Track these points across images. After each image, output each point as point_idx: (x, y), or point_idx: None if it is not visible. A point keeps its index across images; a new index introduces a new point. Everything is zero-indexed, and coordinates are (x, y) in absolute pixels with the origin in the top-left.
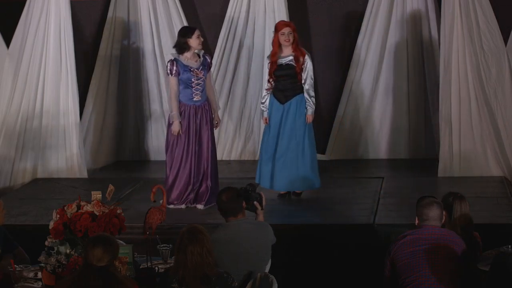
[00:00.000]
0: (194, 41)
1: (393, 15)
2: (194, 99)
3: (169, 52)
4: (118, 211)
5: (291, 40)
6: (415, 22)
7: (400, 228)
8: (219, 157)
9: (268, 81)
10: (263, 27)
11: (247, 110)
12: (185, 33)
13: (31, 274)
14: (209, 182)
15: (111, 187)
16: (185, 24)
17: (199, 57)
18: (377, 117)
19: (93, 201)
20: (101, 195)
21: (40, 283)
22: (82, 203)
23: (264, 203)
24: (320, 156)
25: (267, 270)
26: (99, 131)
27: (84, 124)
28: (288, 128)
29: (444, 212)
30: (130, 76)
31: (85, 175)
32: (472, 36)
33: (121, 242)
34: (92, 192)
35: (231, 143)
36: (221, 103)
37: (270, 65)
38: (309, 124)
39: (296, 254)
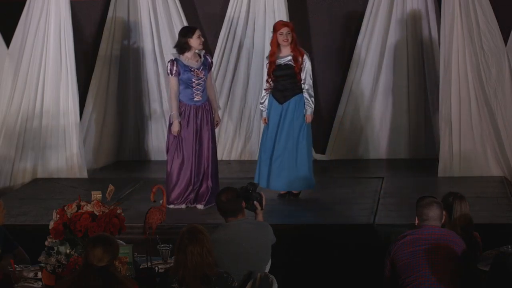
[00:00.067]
0: (195, 41)
1: (393, 15)
2: (195, 99)
3: (169, 52)
4: (118, 211)
5: (290, 40)
6: (415, 22)
7: (400, 228)
8: (219, 157)
9: (267, 81)
10: (263, 27)
11: (247, 110)
12: (185, 33)
13: (31, 274)
14: (209, 182)
15: (111, 187)
16: (185, 24)
17: (200, 57)
18: (377, 117)
19: (93, 201)
20: (101, 195)
21: (40, 283)
22: (82, 203)
23: (264, 203)
24: (320, 156)
25: (267, 270)
26: (99, 131)
27: (84, 124)
28: (286, 128)
29: (444, 212)
30: (130, 76)
31: (85, 175)
32: (472, 36)
33: (121, 242)
34: (92, 192)
35: (231, 143)
36: (221, 103)
37: (269, 65)
38: (308, 124)
39: (296, 254)
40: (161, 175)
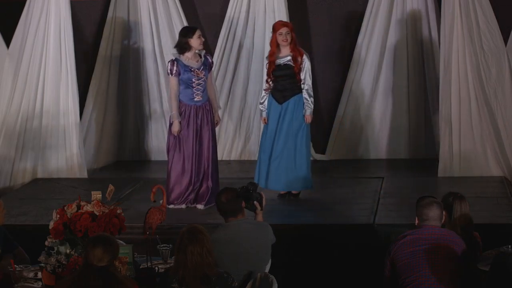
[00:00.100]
0: (195, 41)
1: (393, 15)
2: (195, 99)
3: (169, 52)
4: (118, 211)
5: (289, 40)
6: (415, 22)
7: (400, 228)
8: (219, 157)
9: (267, 81)
10: (263, 27)
11: (247, 110)
12: (186, 33)
13: (31, 274)
14: (209, 182)
15: (111, 187)
16: (185, 24)
17: (200, 57)
18: (377, 117)
19: (93, 201)
20: (101, 195)
21: (40, 283)
22: (82, 203)
23: (264, 203)
24: (320, 156)
25: (267, 270)
26: (99, 131)
27: (84, 124)
28: (285, 128)
29: (444, 212)
30: (130, 76)
31: (85, 175)
32: (472, 36)
33: (121, 242)
34: (92, 192)
35: (231, 143)
36: (221, 103)
37: (269, 65)
38: (307, 124)
39: (296, 254)
40: (161, 175)
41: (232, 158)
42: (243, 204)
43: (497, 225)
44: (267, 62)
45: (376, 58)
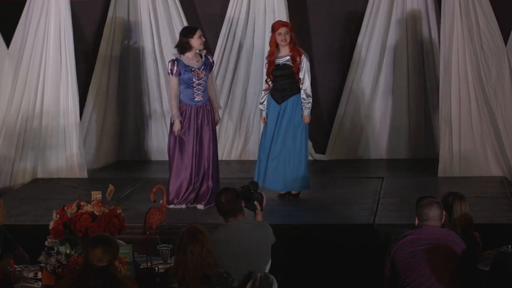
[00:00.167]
0: (196, 41)
1: (393, 15)
2: (196, 99)
3: (169, 52)
4: (118, 211)
5: (288, 40)
6: (415, 22)
7: (400, 228)
8: (219, 157)
9: (266, 81)
10: (263, 27)
11: (247, 110)
12: (186, 33)
13: (31, 274)
14: (210, 182)
15: (111, 187)
16: (185, 24)
17: (201, 57)
18: (377, 117)
19: (93, 201)
20: (101, 195)
21: (40, 283)
22: (82, 203)
23: (264, 203)
24: (320, 156)
25: (267, 270)
26: (99, 131)
27: (84, 124)
28: (284, 128)
29: (444, 212)
30: (130, 76)
31: (85, 175)
32: (472, 36)
33: (121, 242)
34: (92, 192)
35: (231, 143)
36: (221, 103)
37: (268, 65)
38: (305, 124)
39: (296, 254)
40: (161, 175)
41: (232, 158)
42: (243, 204)
43: (497, 225)
44: (266, 62)
45: (376, 58)
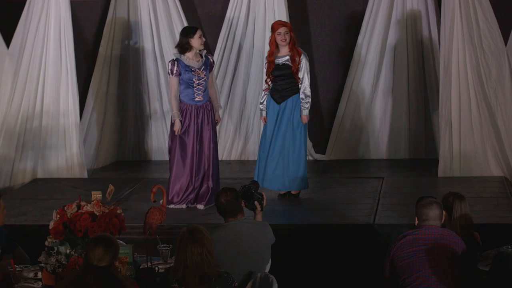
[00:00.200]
0: (196, 41)
1: (393, 15)
2: (196, 99)
3: (169, 52)
4: (118, 211)
5: (288, 39)
6: (415, 22)
7: (400, 228)
8: (219, 157)
9: (266, 81)
10: (263, 27)
11: (247, 110)
12: (187, 33)
13: (31, 274)
14: (210, 182)
15: (111, 187)
16: (185, 24)
17: (201, 57)
18: (377, 117)
19: (93, 201)
20: (101, 195)
21: (40, 283)
22: (82, 203)
23: (264, 203)
24: (320, 156)
25: (267, 270)
26: (99, 131)
27: (84, 124)
28: (283, 128)
29: (444, 212)
30: (130, 76)
31: (85, 175)
32: (472, 36)
33: (121, 242)
34: (92, 192)
35: (231, 143)
36: (221, 103)
37: (268, 65)
38: (304, 124)
39: (296, 254)
40: (161, 175)
41: (232, 158)
42: (243, 204)
43: (497, 225)
44: (266, 62)
45: (376, 58)
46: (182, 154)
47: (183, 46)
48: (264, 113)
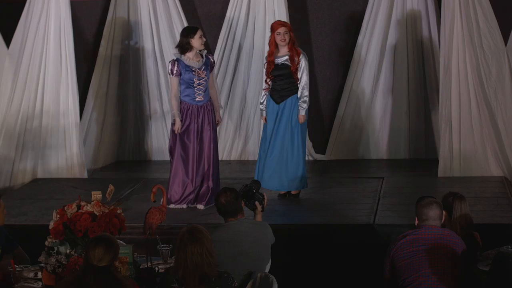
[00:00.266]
0: (196, 41)
1: (393, 15)
2: (197, 99)
3: (169, 52)
4: (118, 211)
5: (287, 39)
6: (415, 22)
7: (400, 228)
8: (219, 157)
9: (266, 81)
10: (263, 27)
11: (247, 110)
12: (187, 33)
13: (31, 274)
14: (210, 182)
15: (111, 187)
16: (185, 24)
17: (202, 57)
18: (377, 117)
19: (93, 201)
20: (101, 195)
21: (40, 283)
22: (82, 203)
23: (265, 204)
24: (320, 156)
25: (267, 270)
26: (99, 131)
27: (84, 124)
28: (282, 128)
29: (444, 212)
30: (130, 76)
31: (85, 175)
32: (472, 36)
33: (121, 242)
34: (92, 192)
35: (231, 143)
36: (221, 103)
37: (267, 65)
38: (304, 124)
39: (296, 254)
40: (161, 175)
41: (232, 158)
42: (243, 203)
43: (497, 225)
44: (265, 62)
45: (376, 58)
46: (183, 154)
47: (183, 46)
48: (264, 113)
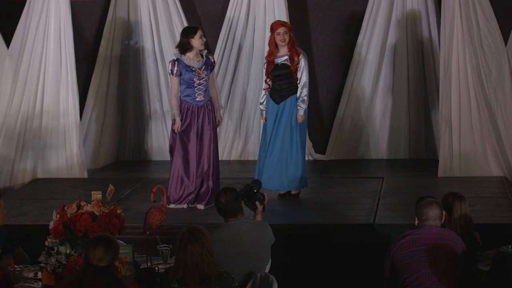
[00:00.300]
0: (197, 41)
1: (393, 15)
2: (197, 99)
3: (169, 52)
4: (118, 211)
5: (287, 40)
6: (415, 22)
7: (400, 228)
8: (219, 157)
9: (266, 81)
10: (263, 27)
11: (247, 110)
12: (187, 33)
13: (31, 274)
14: (210, 182)
15: (111, 187)
16: (185, 24)
17: (202, 56)
18: (377, 117)
19: (93, 201)
20: (101, 195)
21: (40, 283)
22: (82, 203)
23: (265, 204)
24: (320, 156)
25: (267, 270)
26: (99, 131)
27: (84, 124)
28: (282, 128)
29: (444, 212)
30: (130, 76)
31: (85, 175)
32: (472, 36)
33: (121, 242)
34: (92, 192)
35: (231, 143)
36: (221, 103)
37: (267, 65)
38: (303, 124)
39: (296, 254)
40: (161, 175)
41: (232, 158)
42: (243, 203)
43: (497, 225)
44: (265, 62)
45: (376, 58)
46: (183, 154)
47: (183, 46)
48: (264, 113)
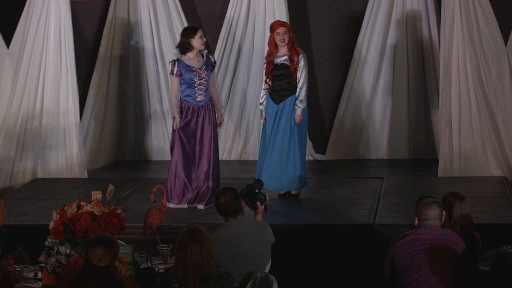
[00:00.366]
0: (197, 41)
1: (393, 15)
2: (198, 99)
3: (169, 52)
4: (118, 211)
5: (287, 40)
6: (415, 22)
7: (400, 228)
8: (219, 157)
9: (265, 81)
10: (263, 27)
11: (247, 111)
12: (187, 33)
13: (31, 274)
14: (210, 182)
15: (111, 187)
16: (185, 24)
17: (203, 56)
18: (377, 117)
19: (93, 201)
20: (101, 195)
21: (40, 283)
22: (82, 203)
23: (266, 204)
24: (320, 156)
25: (267, 270)
26: (99, 131)
27: (84, 124)
28: (282, 128)
29: (444, 212)
30: (130, 76)
31: (85, 175)
32: (472, 36)
33: (121, 242)
34: (92, 192)
35: (231, 143)
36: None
37: (267, 65)
38: (303, 124)
39: (296, 254)
40: (161, 175)
41: (232, 158)
42: (243, 203)
43: (497, 225)
44: (265, 62)
45: (376, 58)
46: (183, 154)
47: (184, 46)
48: (264, 113)
